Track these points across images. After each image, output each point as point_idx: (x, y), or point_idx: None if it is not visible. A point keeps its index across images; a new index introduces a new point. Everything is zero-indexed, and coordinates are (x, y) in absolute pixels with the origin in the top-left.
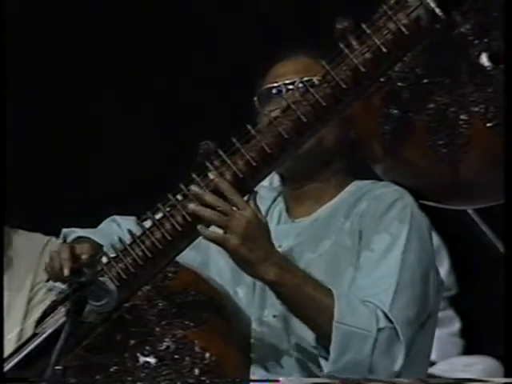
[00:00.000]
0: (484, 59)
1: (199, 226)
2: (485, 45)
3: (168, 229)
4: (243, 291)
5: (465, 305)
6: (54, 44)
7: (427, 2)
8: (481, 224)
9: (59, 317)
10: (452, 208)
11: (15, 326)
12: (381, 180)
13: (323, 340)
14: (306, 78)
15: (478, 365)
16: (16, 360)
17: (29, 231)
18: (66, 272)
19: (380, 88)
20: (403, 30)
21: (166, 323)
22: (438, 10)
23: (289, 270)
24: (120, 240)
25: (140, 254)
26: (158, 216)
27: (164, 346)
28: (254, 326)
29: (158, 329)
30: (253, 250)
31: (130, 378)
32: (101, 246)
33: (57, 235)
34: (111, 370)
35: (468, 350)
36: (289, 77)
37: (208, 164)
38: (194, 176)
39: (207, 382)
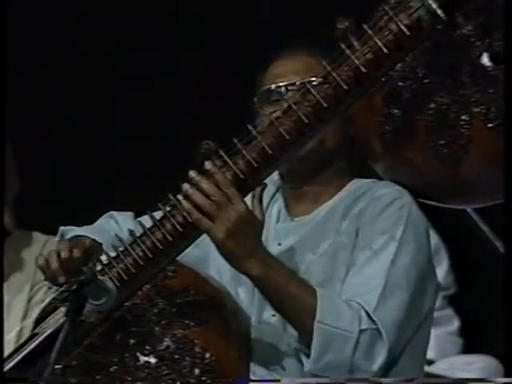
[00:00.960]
0: (485, 59)
1: (189, 206)
2: (486, 45)
3: (169, 229)
4: (243, 291)
5: (464, 304)
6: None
7: (429, 3)
8: (480, 223)
9: (59, 317)
10: (452, 207)
11: (15, 325)
12: (381, 179)
13: (306, 339)
14: (306, 79)
15: (478, 363)
16: (16, 360)
17: (28, 230)
18: (65, 271)
19: (381, 88)
20: (404, 30)
21: (166, 323)
22: (439, 11)
23: (274, 267)
24: (120, 240)
25: (141, 254)
26: (159, 216)
27: (164, 346)
28: (254, 325)
29: (158, 328)
30: (239, 244)
31: (129, 378)
32: (99, 244)
33: (56, 234)
34: (111, 369)
35: (467, 349)
36: (289, 77)
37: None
38: (190, 173)
39: (207, 381)
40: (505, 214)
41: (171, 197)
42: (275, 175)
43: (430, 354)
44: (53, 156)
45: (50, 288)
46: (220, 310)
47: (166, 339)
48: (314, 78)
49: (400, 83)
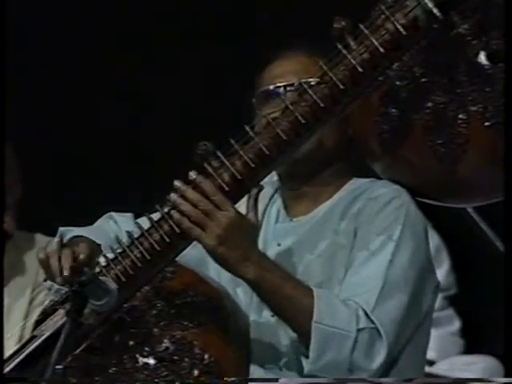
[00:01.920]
0: (482, 58)
1: (178, 216)
2: (483, 44)
3: (166, 230)
4: (242, 292)
5: (465, 304)
6: (53, 44)
7: (425, 2)
8: (480, 223)
9: (58, 319)
10: (450, 206)
11: (16, 327)
12: (379, 178)
13: (304, 339)
14: (303, 79)
15: (478, 364)
16: (16, 361)
17: (30, 232)
18: (66, 272)
19: (378, 87)
20: (401, 30)
21: (164, 324)
22: (435, 10)
23: (269, 269)
24: (118, 241)
25: (138, 255)
26: (156, 217)
27: (163, 347)
28: (253, 326)
29: (156, 330)
30: (232, 249)
31: (129, 379)
32: (98, 245)
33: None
34: (110, 371)
35: (468, 349)
36: (287, 78)
37: (206, 165)
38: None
39: (206, 382)
40: (505, 213)
41: (160, 208)
42: (274, 176)
43: (430, 355)
44: (53, 156)
45: (49, 289)
46: (219, 310)
47: (165, 340)
48: (310, 79)
49: (397, 82)
